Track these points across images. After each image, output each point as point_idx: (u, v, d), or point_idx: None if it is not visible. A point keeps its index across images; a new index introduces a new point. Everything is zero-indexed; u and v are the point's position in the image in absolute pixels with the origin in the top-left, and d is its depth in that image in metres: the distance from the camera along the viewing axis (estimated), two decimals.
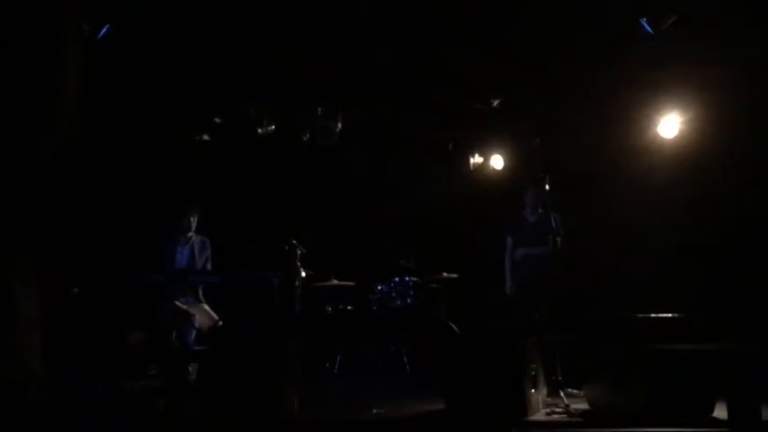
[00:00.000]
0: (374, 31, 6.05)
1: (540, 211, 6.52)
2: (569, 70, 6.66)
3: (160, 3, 5.66)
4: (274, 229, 7.67)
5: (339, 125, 7.65)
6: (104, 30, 5.74)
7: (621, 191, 7.47)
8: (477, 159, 8.39)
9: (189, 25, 5.95)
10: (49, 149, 1.19)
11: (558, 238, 6.00)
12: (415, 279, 7.69)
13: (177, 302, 5.96)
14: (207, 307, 6.14)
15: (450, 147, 8.33)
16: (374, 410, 5.17)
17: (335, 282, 7.51)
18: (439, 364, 7.03)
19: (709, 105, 6.85)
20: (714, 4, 5.54)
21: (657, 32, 5.79)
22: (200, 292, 6.20)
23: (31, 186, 1.17)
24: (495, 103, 7.69)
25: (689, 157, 7.18)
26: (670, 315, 4.65)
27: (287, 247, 7.19)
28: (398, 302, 7.63)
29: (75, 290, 4.94)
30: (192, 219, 6.34)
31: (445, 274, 7.66)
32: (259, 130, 7.49)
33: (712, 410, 4.55)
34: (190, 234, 6.37)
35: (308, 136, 7.69)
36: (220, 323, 5.82)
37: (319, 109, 7.69)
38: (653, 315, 4.63)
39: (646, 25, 5.70)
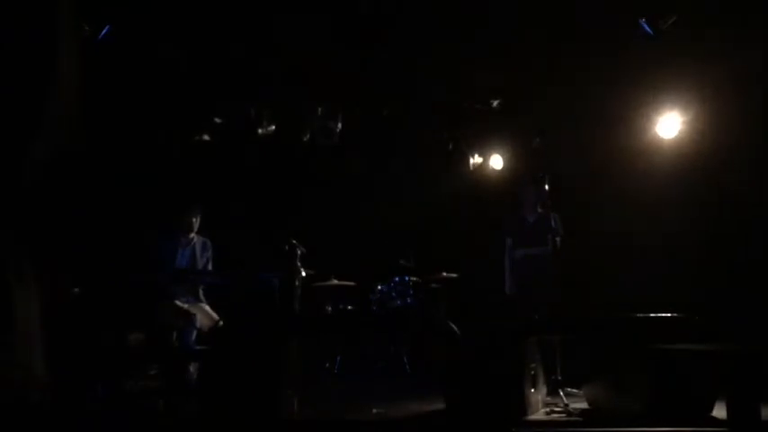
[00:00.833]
0: (374, 31, 6.06)
1: (539, 210, 6.52)
2: (569, 70, 6.66)
3: (160, 2, 5.67)
4: (274, 229, 7.67)
5: (339, 125, 7.65)
6: (105, 30, 5.74)
7: (621, 191, 7.47)
8: (476, 159, 8.39)
9: (189, 25, 5.96)
10: (46, 149, 1.19)
11: (558, 238, 6.01)
12: (415, 279, 7.68)
13: (178, 302, 5.97)
14: (207, 307, 6.14)
15: (451, 147, 8.33)
16: (374, 410, 5.18)
17: (335, 282, 7.51)
18: (439, 364, 7.04)
19: (709, 105, 6.86)
20: (714, 4, 5.54)
21: (657, 32, 5.80)
22: (201, 292, 6.21)
23: (29, 186, 1.17)
24: (495, 103, 7.70)
25: (689, 156, 7.18)
26: (670, 315, 4.66)
27: (287, 247, 7.18)
28: (398, 302, 7.62)
29: (76, 290, 4.94)
30: (193, 220, 6.34)
31: (445, 274, 7.66)
32: (259, 131, 7.49)
33: (711, 410, 4.56)
34: (191, 235, 6.38)
35: (308, 136, 7.70)
36: (221, 323, 5.82)
37: (319, 109, 7.69)
38: (652, 315, 4.64)
39: (645, 25, 5.70)
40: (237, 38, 6.17)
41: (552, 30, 5.96)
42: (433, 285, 7.86)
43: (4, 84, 1.11)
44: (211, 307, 6.18)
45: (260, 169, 8.31)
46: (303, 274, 7.18)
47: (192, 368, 5.49)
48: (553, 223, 6.15)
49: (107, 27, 5.72)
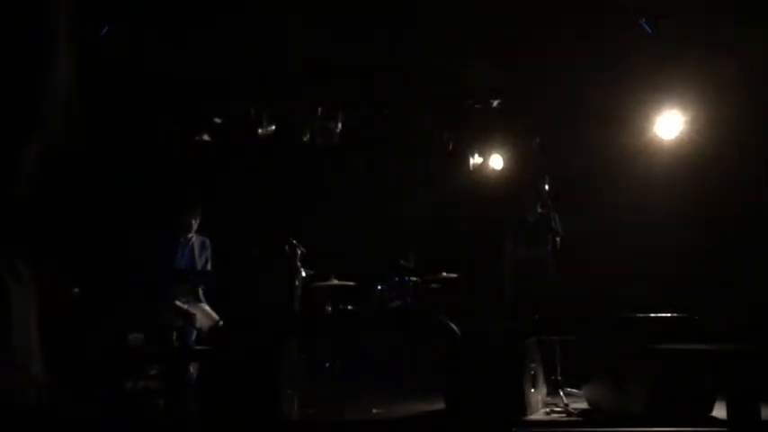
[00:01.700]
0: (374, 31, 6.06)
1: (539, 210, 6.52)
2: (569, 70, 6.66)
3: (160, 2, 5.67)
4: (274, 228, 7.67)
5: (339, 125, 7.65)
6: (104, 30, 5.74)
7: (621, 190, 7.48)
8: (476, 159, 8.38)
9: (189, 25, 5.96)
10: (44, 149, 1.19)
11: (558, 238, 6.01)
12: (414, 279, 7.69)
13: (178, 302, 5.97)
14: (207, 307, 6.14)
15: (451, 147, 8.33)
16: (374, 410, 5.18)
17: (335, 282, 7.51)
18: (439, 364, 7.04)
19: (710, 105, 6.86)
20: (715, 4, 5.54)
21: (657, 32, 5.80)
22: (201, 292, 6.21)
23: (26, 186, 1.17)
24: (495, 103, 7.71)
25: (689, 156, 7.19)
26: (670, 315, 4.66)
27: (287, 247, 7.18)
28: (398, 302, 7.63)
29: (76, 290, 4.94)
30: (193, 221, 6.34)
31: (445, 274, 7.66)
32: (259, 131, 7.49)
33: (711, 410, 4.56)
34: (190, 235, 6.38)
35: (307, 136, 7.70)
36: (221, 323, 5.82)
37: (319, 109, 7.69)
38: (652, 315, 4.64)
39: (645, 25, 5.70)
40: (238, 37, 6.17)
41: (552, 30, 5.96)
42: (433, 285, 7.86)
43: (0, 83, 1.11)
44: (211, 307, 6.18)
45: (260, 169, 8.31)
46: (303, 274, 7.19)
47: (192, 368, 5.49)
48: (553, 223, 6.14)
49: (106, 27, 5.72)
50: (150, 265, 6.14)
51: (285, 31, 6.00)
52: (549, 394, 5.38)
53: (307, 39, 6.13)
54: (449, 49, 6.38)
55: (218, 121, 7.59)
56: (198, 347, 5.61)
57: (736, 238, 7.07)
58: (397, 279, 7.59)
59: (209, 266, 6.39)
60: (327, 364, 7.44)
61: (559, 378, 5.49)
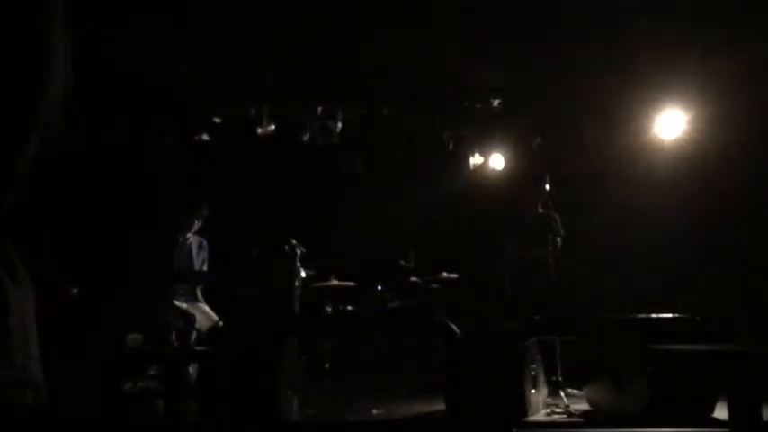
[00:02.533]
0: (374, 31, 6.06)
1: (540, 211, 6.52)
2: (569, 70, 6.66)
3: (160, 2, 5.66)
4: (274, 229, 7.67)
5: (339, 125, 7.65)
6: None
7: (622, 190, 7.47)
8: (477, 159, 8.38)
9: (189, 25, 5.95)
10: (40, 149, 1.18)
11: (558, 238, 6.01)
12: (414, 279, 7.68)
13: (177, 302, 5.97)
14: (206, 307, 6.14)
15: (451, 147, 8.32)
16: (374, 411, 5.18)
17: (335, 282, 7.51)
18: (439, 365, 7.03)
19: (711, 105, 6.86)
20: (715, 4, 5.54)
21: (657, 32, 5.80)
22: (199, 292, 6.20)
23: (22, 186, 1.16)
24: (496, 103, 7.70)
25: (690, 156, 7.19)
26: (670, 315, 4.66)
27: (287, 247, 7.18)
28: (398, 302, 7.62)
29: (75, 290, 4.93)
30: (196, 221, 6.34)
31: (445, 275, 7.66)
32: (259, 130, 7.48)
33: (712, 411, 4.55)
34: (188, 235, 6.37)
35: (307, 136, 7.69)
36: (220, 323, 5.82)
37: (319, 109, 7.69)
38: (653, 315, 4.64)
39: (645, 26, 5.70)
40: (238, 38, 6.17)
41: (553, 29, 5.96)
42: (433, 285, 7.86)
43: None
44: (210, 307, 6.18)
45: (260, 169, 8.31)
46: (303, 274, 7.18)
47: (192, 368, 5.48)
48: (554, 224, 6.15)
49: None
50: (149, 266, 6.13)
51: (285, 31, 6.00)
52: (549, 395, 5.38)
53: (307, 39, 6.12)
54: (449, 49, 6.38)
55: (217, 120, 7.58)
56: (197, 348, 5.60)
57: (737, 238, 7.07)
58: (396, 279, 7.59)
59: (205, 267, 6.39)
60: (327, 365, 7.43)
61: (560, 379, 5.48)
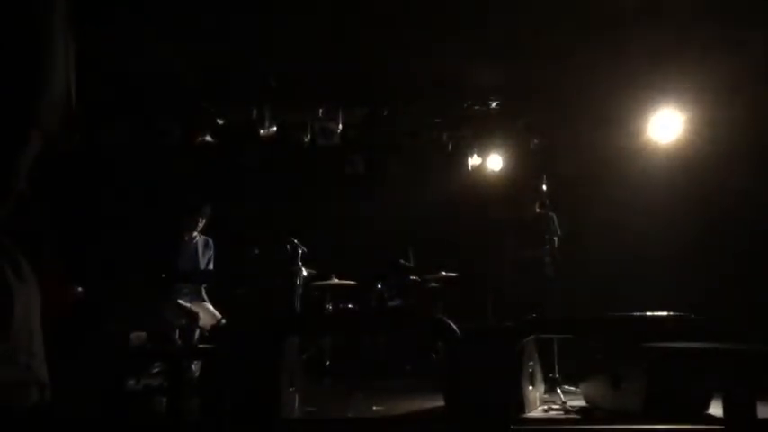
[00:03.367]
0: (375, 32, 6.09)
1: (537, 211, 6.56)
2: (568, 71, 6.70)
3: (161, 3, 5.69)
4: (276, 228, 7.71)
5: (339, 126, 7.70)
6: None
7: (619, 190, 7.52)
8: (476, 160, 8.42)
9: (190, 25, 5.98)
10: (41, 149, 1.21)
11: (556, 238, 6.05)
12: (414, 278, 7.73)
13: (181, 301, 6.01)
14: (210, 306, 6.19)
15: (450, 147, 8.37)
16: (374, 408, 5.23)
17: (336, 281, 7.55)
18: (438, 363, 7.08)
19: (708, 106, 6.90)
20: (714, 4, 5.58)
21: (656, 33, 5.84)
22: (204, 290, 6.25)
23: (24, 184, 1.19)
24: (494, 103, 7.76)
25: (687, 156, 7.23)
26: (666, 314, 4.70)
27: (288, 247, 7.23)
28: (398, 302, 7.68)
29: (80, 289, 4.97)
30: (200, 220, 6.38)
31: (444, 274, 7.71)
32: (261, 131, 7.53)
33: (708, 408, 4.60)
34: (194, 234, 6.42)
35: (308, 137, 7.73)
36: (223, 322, 5.86)
37: (320, 110, 7.73)
38: (649, 314, 4.68)
39: (643, 26, 5.74)
40: (239, 38, 6.20)
41: (552, 30, 6.00)
42: (433, 285, 7.91)
43: None
44: (214, 306, 6.23)
45: (262, 169, 8.35)
46: (304, 273, 7.23)
47: (195, 366, 5.53)
48: (551, 223, 6.20)
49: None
50: (153, 264, 6.18)
51: (286, 32, 6.03)
52: (547, 392, 5.43)
53: (307, 39, 6.16)
54: (448, 50, 6.42)
55: (220, 122, 7.63)
56: (200, 346, 5.65)
57: (734, 238, 7.11)
58: (396, 278, 7.64)
59: (211, 266, 6.44)
60: (328, 363, 7.48)
61: (557, 376, 5.53)
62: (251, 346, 4.70)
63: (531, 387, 5.00)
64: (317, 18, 5.86)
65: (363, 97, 7.68)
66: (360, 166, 8.30)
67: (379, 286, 7.71)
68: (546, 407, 5.12)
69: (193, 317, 5.87)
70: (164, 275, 5.81)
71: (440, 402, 5.03)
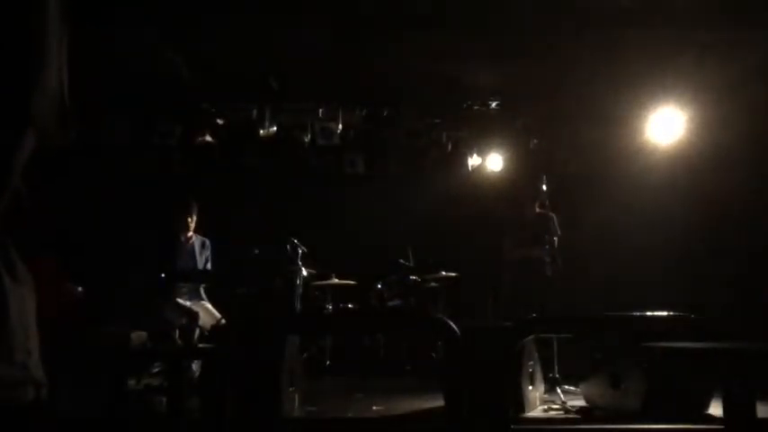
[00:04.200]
0: (375, 32, 6.10)
1: (537, 210, 6.56)
2: (568, 71, 6.70)
3: (161, 3, 5.70)
4: (276, 228, 7.72)
5: (339, 126, 7.70)
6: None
7: (619, 190, 7.52)
8: (475, 160, 8.43)
9: (190, 25, 5.99)
10: (35, 146, 1.20)
11: (555, 238, 6.05)
12: (414, 278, 7.74)
13: (180, 301, 6.02)
14: (209, 305, 6.19)
15: (450, 147, 8.37)
16: (374, 408, 5.23)
17: (336, 281, 7.56)
18: (438, 363, 7.09)
19: (707, 106, 6.91)
20: (713, 5, 5.58)
21: (655, 33, 5.84)
22: (202, 290, 6.25)
23: (19, 182, 1.18)
24: (494, 104, 7.76)
25: (687, 156, 7.24)
26: (666, 314, 4.70)
27: (288, 247, 7.24)
28: (398, 301, 7.68)
29: (80, 289, 4.97)
30: (189, 219, 6.37)
31: (444, 274, 7.71)
32: (261, 132, 7.53)
33: (707, 408, 4.60)
34: (190, 234, 6.42)
35: (308, 137, 7.74)
36: (223, 321, 5.86)
37: (320, 110, 7.74)
38: (649, 314, 4.68)
39: (642, 27, 5.75)
40: (239, 39, 6.21)
41: (551, 30, 6.00)
42: (433, 284, 7.91)
43: None
44: (213, 306, 6.23)
45: (262, 169, 8.36)
46: (304, 273, 7.24)
47: (195, 366, 5.53)
48: (551, 223, 6.20)
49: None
50: (152, 264, 6.19)
51: (286, 33, 6.04)
52: (546, 392, 5.43)
53: (307, 40, 6.17)
54: (448, 51, 6.43)
55: (220, 122, 7.63)
56: (200, 346, 5.65)
57: (734, 238, 7.12)
58: (396, 278, 7.64)
59: (209, 266, 6.44)
60: (328, 362, 7.49)
61: (557, 376, 5.53)
62: (251, 346, 4.70)
63: (531, 387, 5.00)
64: (318, 18, 5.86)
65: (363, 97, 7.69)
66: (360, 166, 8.31)
67: (379, 286, 7.72)
68: (546, 407, 5.12)
69: (193, 316, 5.87)
70: (163, 275, 5.81)
71: (440, 402, 5.04)
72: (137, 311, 5.77)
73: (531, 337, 5.00)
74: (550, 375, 5.51)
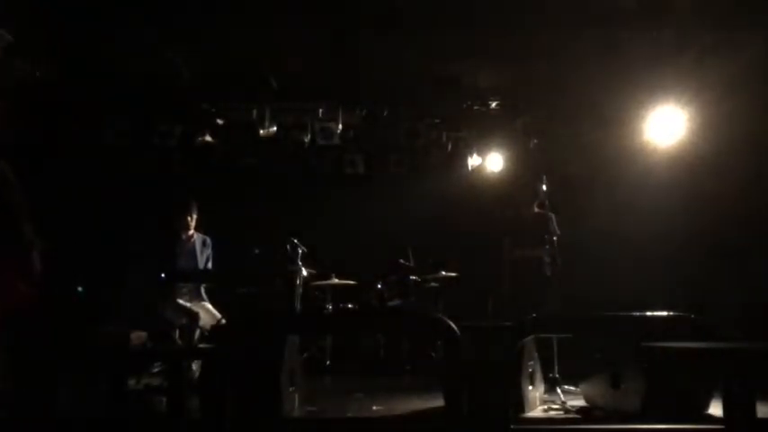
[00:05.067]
0: (375, 32, 6.10)
1: (537, 210, 6.56)
2: (568, 71, 6.70)
3: (161, 3, 5.71)
4: (276, 228, 7.73)
5: (339, 126, 7.71)
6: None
7: (619, 190, 7.53)
8: (475, 160, 8.43)
9: (191, 25, 5.99)
10: None
11: (555, 238, 6.05)
12: (414, 278, 7.74)
13: (180, 301, 6.02)
14: (210, 305, 6.19)
15: (450, 147, 8.38)
16: (374, 408, 5.23)
17: (336, 281, 7.56)
18: (438, 363, 7.09)
19: (707, 106, 6.90)
20: (713, 5, 5.58)
21: (655, 33, 5.84)
22: (203, 290, 6.25)
23: None
24: (494, 104, 7.76)
25: (687, 156, 7.23)
26: (666, 314, 4.70)
27: (288, 247, 7.24)
28: (398, 301, 7.69)
29: (80, 288, 4.99)
30: (189, 218, 6.37)
31: (444, 274, 7.71)
32: (261, 131, 7.54)
33: (707, 408, 4.60)
34: (190, 233, 6.41)
35: (308, 137, 7.74)
36: (223, 321, 5.86)
37: (320, 110, 7.74)
38: (649, 314, 4.68)
39: (641, 27, 5.75)
40: (238, 39, 6.21)
41: (551, 31, 6.01)
42: (433, 284, 7.92)
43: None
44: (213, 305, 6.23)
45: (262, 169, 8.37)
46: (304, 273, 7.24)
47: (195, 366, 5.54)
48: (550, 223, 6.20)
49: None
50: (152, 264, 6.18)
51: (286, 33, 6.04)
52: (546, 392, 5.42)
53: (307, 40, 6.17)
54: (448, 51, 6.43)
55: (220, 122, 7.63)
56: (200, 346, 5.66)
57: (734, 238, 7.12)
58: (396, 278, 7.65)
59: (210, 265, 6.43)
60: (328, 362, 7.49)
61: (557, 376, 5.53)
62: (251, 346, 4.71)
63: (530, 387, 5.01)
64: (318, 18, 5.86)
65: (363, 97, 7.69)
66: (360, 166, 8.31)
67: (379, 286, 7.72)
68: (546, 407, 5.12)
69: (193, 317, 5.88)
70: (163, 275, 5.81)
71: (440, 402, 5.04)
72: (137, 311, 5.77)
73: (531, 337, 5.00)
74: (550, 375, 5.51)
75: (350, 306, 7.65)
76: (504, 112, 7.82)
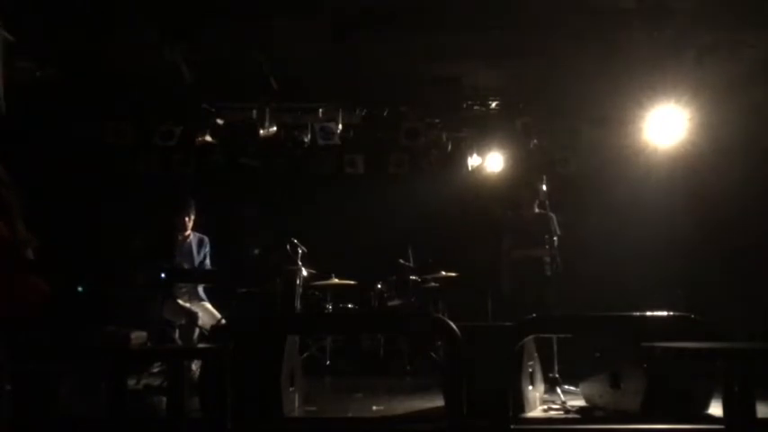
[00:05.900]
0: (375, 32, 6.10)
1: (537, 210, 6.56)
2: (568, 71, 6.70)
3: (161, 3, 5.71)
4: (275, 228, 7.73)
5: (339, 126, 7.71)
6: None
7: (619, 191, 7.53)
8: (475, 160, 8.43)
9: (190, 25, 5.99)
10: None
11: (555, 238, 6.05)
12: (414, 278, 7.74)
13: (180, 301, 6.02)
14: (209, 305, 6.19)
15: (450, 147, 8.38)
16: (374, 408, 5.23)
17: (336, 281, 7.57)
18: (438, 363, 7.09)
19: (707, 106, 6.90)
20: (713, 5, 5.58)
21: (656, 34, 5.84)
22: (201, 289, 6.25)
23: None
24: (494, 104, 7.76)
25: (687, 157, 7.24)
26: (666, 314, 4.70)
27: (288, 247, 7.25)
28: (398, 301, 7.69)
29: (80, 288, 4.99)
30: (186, 218, 6.37)
31: (444, 274, 7.71)
32: (261, 132, 7.54)
33: (707, 408, 4.60)
34: (187, 232, 6.42)
35: (308, 137, 7.75)
36: (223, 321, 5.87)
37: (320, 110, 7.75)
38: (649, 314, 4.68)
39: (641, 27, 5.75)
40: (239, 39, 6.21)
41: (551, 31, 6.01)
42: (432, 284, 7.92)
43: None
44: (213, 305, 6.23)
45: (262, 169, 8.37)
46: (304, 273, 7.24)
47: (195, 366, 5.54)
48: (550, 223, 6.20)
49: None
50: (152, 264, 6.18)
51: (286, 33, 6.04)
52: (546, 392, 5.43)
53: (307, 40, 6.17)
54: (448, 51, 6.43)
55: (220, 122, 7.63)
56: (200, 345, 5.66)
57: (734, 237, 7.12)
58: (396, 278, 7.65)
59: (207, 263, 6.43)
60: (328, 362, 7.49)
61: (557, 376, 5.54)
62: (251, 346, 4.71)
63: (531, 387, 5.01)
64: (318, 18, 5.86)
65: (363, 97, 7.69)
66: (360, 166, 8.31)
67: (379, 286, 7.72)
68: (546, 407, 5.12)
69: (193, 317, 5.87)
70: (163, 275, 5.81)
71: (440, 402, 5.04)
72: (137, 311, 5.77)
73: (531, 337, 5.00)
74: (550, 375, 5.51)
75: (350, 306, 7.65)
76: (504, 112, 7.82)
